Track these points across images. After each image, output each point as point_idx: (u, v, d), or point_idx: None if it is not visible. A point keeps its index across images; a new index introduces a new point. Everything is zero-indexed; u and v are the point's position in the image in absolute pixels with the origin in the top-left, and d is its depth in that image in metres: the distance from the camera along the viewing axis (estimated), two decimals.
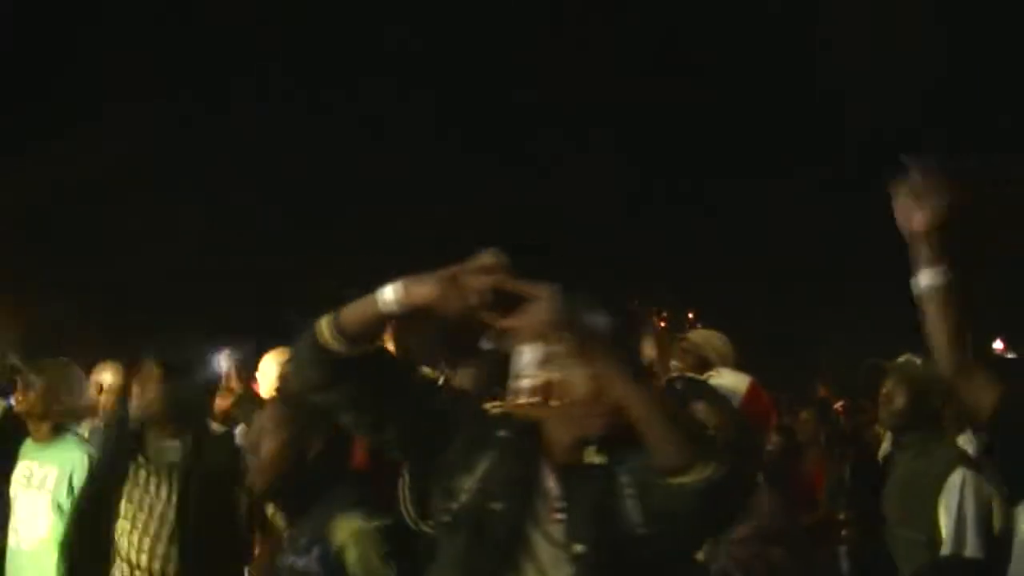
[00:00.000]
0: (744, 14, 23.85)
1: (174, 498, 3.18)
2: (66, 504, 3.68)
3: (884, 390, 3.30)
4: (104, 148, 16.13)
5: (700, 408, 2.28)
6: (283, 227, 21.36)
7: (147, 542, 3.14)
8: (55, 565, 3.54)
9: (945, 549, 2.94)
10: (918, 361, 3.25)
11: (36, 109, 17.61)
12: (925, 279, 1.99)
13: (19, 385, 3.87)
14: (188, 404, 3.32)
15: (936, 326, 1.97)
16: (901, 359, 3.34)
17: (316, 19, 23.29)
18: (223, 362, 5.27)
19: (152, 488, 3.21)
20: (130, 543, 3.16)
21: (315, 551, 2.26)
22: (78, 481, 3.70)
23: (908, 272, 2.03)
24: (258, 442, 2.43)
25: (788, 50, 23.18)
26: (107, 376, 4.95)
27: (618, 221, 26.53)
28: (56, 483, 3.71)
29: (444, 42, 24.13)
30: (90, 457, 3.77)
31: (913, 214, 1.98)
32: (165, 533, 3.15)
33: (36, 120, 17.38)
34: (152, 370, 3.30)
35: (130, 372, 4.94)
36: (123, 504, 3.21)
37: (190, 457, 3.24)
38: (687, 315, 30.21)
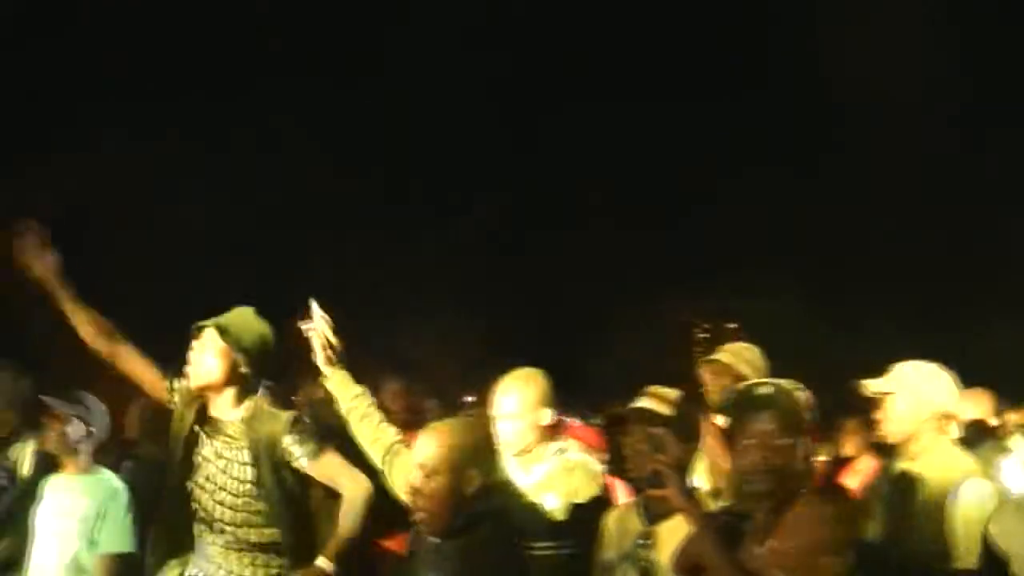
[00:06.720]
0: None
1: None
2: (96, 537, 3.67)
3: None
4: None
5: (765, 417, 2.40)
6: None
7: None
8: None
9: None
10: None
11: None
12: None
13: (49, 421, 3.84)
14: None
15: None
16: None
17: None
18: None
19: None
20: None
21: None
22: (112, 515, 3.70)
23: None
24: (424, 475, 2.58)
25: None
26: None
27: None
28: (86, 515, 3.68)
29: None
30: (126, 492, 3.79)
31: None
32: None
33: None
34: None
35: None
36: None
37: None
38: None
